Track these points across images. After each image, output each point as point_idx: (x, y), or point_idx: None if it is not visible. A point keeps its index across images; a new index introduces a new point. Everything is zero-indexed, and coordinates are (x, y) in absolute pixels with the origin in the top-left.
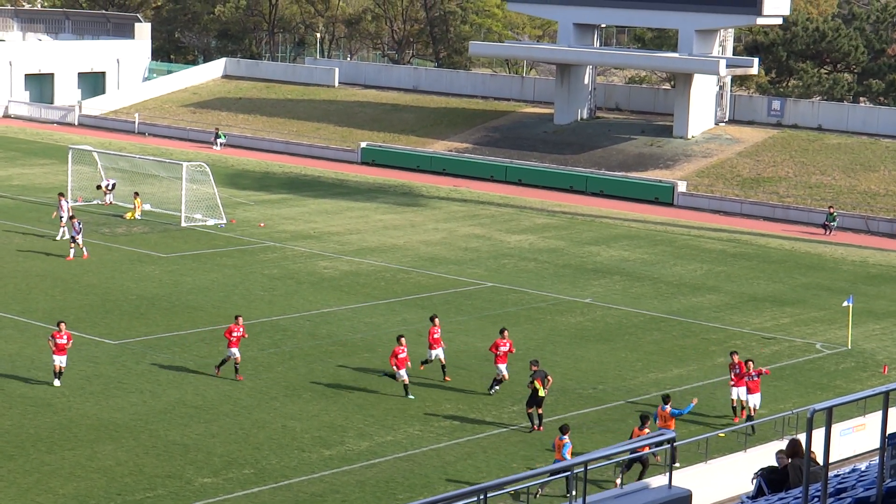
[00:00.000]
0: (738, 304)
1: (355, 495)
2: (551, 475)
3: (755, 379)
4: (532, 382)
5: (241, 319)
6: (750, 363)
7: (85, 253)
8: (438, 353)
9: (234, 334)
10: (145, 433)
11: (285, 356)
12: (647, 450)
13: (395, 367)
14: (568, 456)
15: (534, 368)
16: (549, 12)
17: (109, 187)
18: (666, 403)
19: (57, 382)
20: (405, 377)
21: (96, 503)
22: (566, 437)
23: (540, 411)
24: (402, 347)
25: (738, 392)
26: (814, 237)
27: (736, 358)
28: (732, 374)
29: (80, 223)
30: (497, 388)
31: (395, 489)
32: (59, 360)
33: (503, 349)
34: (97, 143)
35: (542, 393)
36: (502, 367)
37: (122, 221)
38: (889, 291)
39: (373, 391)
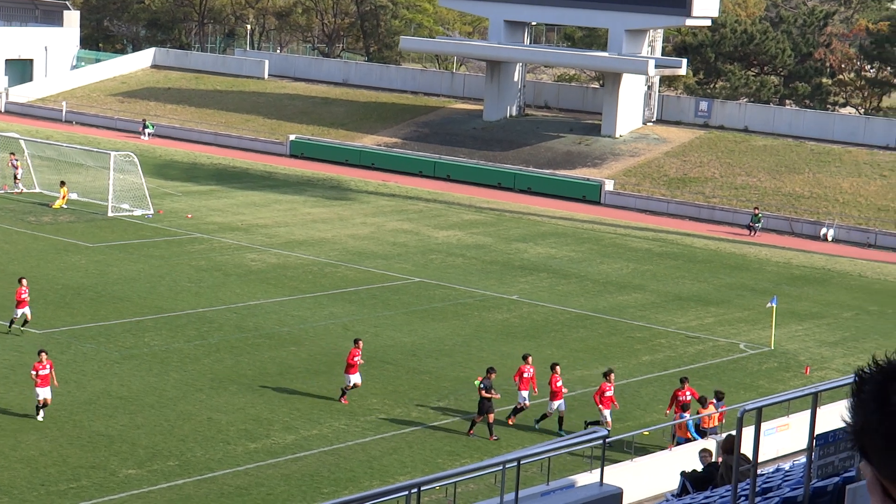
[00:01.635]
0: (664, 303)
1: (280, 489)
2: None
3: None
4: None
5: (361, 343)
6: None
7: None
8: (560, 404)
9: (356, 359)
10: (69, 423)
11: (211, 348)
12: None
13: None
14: None
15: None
16: (479, 9)
17: (16, 175)
18: (685, 412)
19: (40, 416)
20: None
21: (19, 494)
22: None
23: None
24: (528, 366)
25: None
26: (739, 238)
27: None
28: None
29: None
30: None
31: (320, 483)
32: (44, 393)
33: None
34: (24, 131)
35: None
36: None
37: (48, 210)
38: (812, 293)
39: (299, 384)
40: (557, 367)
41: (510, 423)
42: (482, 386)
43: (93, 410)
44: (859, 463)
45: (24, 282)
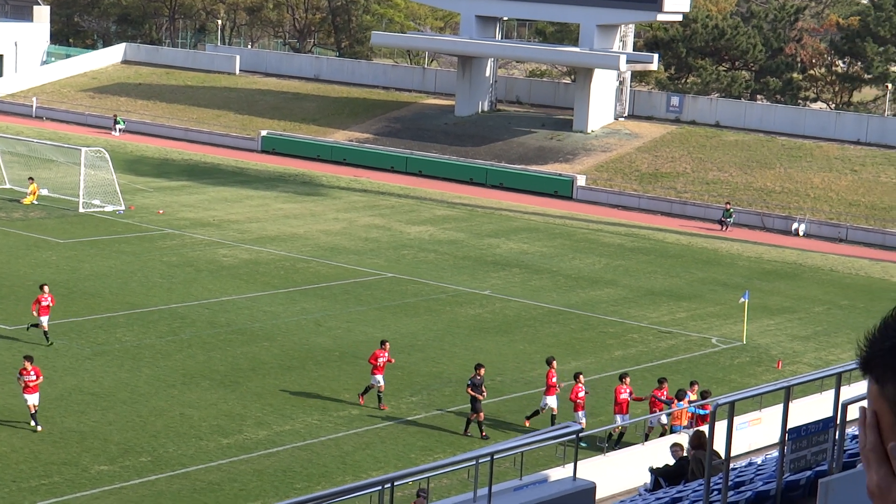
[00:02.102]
0: (636, 297)
1: (253, 484)
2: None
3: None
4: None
5: (388, 345)
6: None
7: None
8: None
9: (380, 359)
10: (41, 420)
11: (183, 344)
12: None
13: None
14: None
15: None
16: (451, 4)
17: None
18: (680, 400)
19: (39, 428)
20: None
21: None
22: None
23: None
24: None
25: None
26: (710, 233)
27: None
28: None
29: None
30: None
31: (293, 478)
32: (32, 400)
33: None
34: None
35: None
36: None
37: (18, 206)
38: (783, 287)
39: (271, 380)
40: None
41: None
42: (469, 383)
43: (64, 406)
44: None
45: (46, 289)
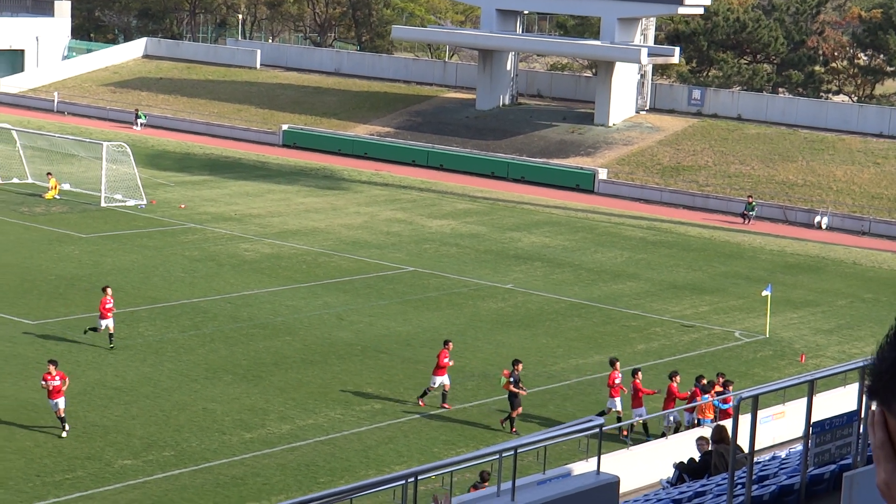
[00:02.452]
0: (658, 291)
1: (276, 478)
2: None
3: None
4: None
5: (451, 346)
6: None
7: None
8: (444, 380)
9: (446, 360)
10: (64, 414)
11: (206, 338)
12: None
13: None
14: None
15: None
16: None
17: None
18: (706, 392)
19: (65, 434)
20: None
21: (14, 484)
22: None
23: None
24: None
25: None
26: (733, 226)
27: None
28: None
29: None
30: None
31: (316, 473)
32: (59, 404)
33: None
34: (15, 122)
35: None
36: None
37: (40, 201)
38: (806, 281)
39: (294, 374)
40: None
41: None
42: (511, 380)
43: (87, 401)
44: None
45: (109, 291)
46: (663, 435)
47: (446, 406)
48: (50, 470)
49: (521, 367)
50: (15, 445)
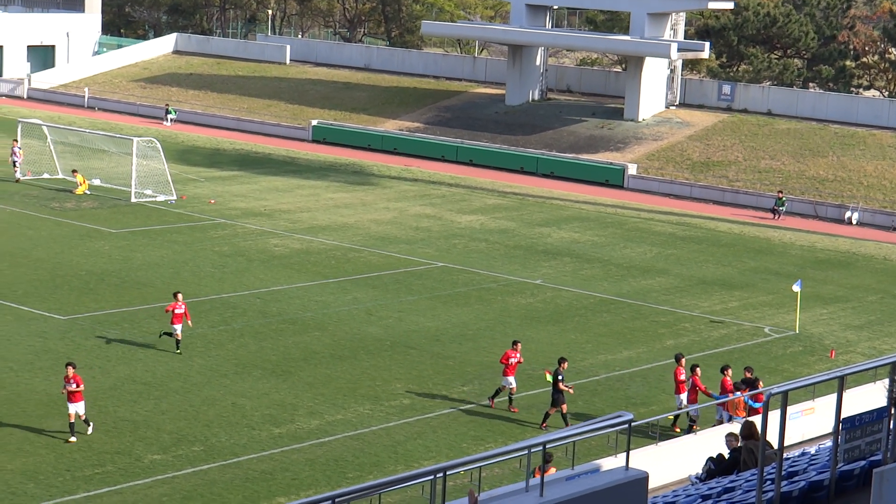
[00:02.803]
0: (687, 287)
1: (305, 473)
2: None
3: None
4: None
5: (519, 346)
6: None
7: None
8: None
9: (511, 360)
10: (94, 409)
11: (235, 333)
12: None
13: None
14: None
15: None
16: None
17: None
18: (739, 391)
19: (73, 438)
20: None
21: (45, 479)
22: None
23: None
24: (515, 352)
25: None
26: (762, 221)
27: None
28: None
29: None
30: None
31: (344, 468)
32: (75, 408)
33: (513, 361)
34: (46, 117)
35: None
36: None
37: (71, 196)
38: (836, 276)
39: (323, 369)
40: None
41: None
42: (561, 378)
43: (117, 396)
44: None
45: (180, 296)
46: (691, 428)
47: (513, 410)
48: (80, 464)
49: (566, 364)
50: (45, 440)
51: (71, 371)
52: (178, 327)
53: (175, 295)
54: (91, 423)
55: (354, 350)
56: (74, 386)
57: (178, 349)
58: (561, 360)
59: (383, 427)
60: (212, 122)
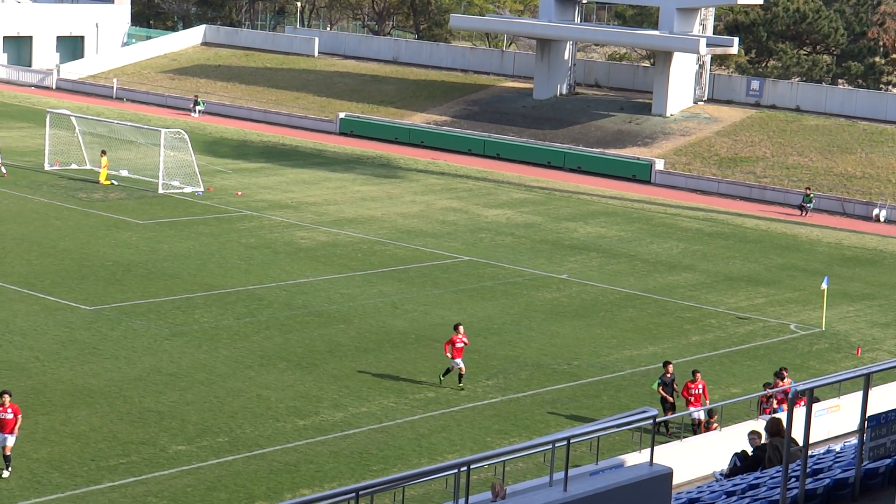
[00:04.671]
0: (714, 283)
1: (329, 465)
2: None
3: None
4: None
5: (461, 328)
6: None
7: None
8: (459, 362)
9: (458, 344)
10: (120, 399)
11: (261, 325)
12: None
13: (449, 356)
14: None
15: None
16: None
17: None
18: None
19: (6, 473)
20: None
21: (70, 468)
22: None
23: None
24: (459, 336)
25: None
26: (790, 218)
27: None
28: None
29: None
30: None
31: (368, 460)
32: (8, 441)
33: (458, 346)
34: (75, 108)
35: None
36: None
37: (98, 187)
38: (863, 274)
39: (348, 362)
40: (460, 327)
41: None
42: (659, 382)
43: (143, 387)
44: None
45: (461, 329)
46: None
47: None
48: (105, 454)
49: (671, 368)
50: (71, 430)
51: (7, 399)
52: (460, 361)
53: (456, 327)
54: (11, 467)
55: (380, 343)
56: (11, 415)
57: (460, 383)
58: (665, 364)
59: (408, 420)
60: (239, 114)
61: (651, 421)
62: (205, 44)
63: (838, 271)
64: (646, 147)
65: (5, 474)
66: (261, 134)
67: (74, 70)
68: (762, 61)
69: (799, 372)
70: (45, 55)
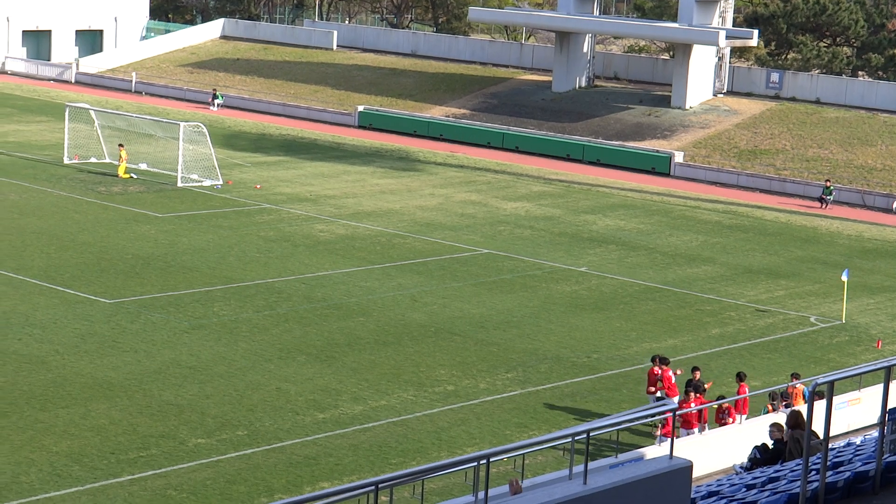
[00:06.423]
0: (733, 275)
1: (348, 459)
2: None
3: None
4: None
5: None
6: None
7: None
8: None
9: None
10: (139, 393)
11: (280, 318)
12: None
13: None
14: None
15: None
16: None
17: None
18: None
19: None
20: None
21: (90, 462)
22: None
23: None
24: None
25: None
26: (810, 210)
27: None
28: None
29: None
30: None
31: (388, 454)
32: None
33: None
34: (94, 101)
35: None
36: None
37: (117, 180)
38: (884, 266)
39: (367, 355)
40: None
41: None
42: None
43: (162, 380)
44: None
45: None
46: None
47: None
48: (124, 447)
49: (698, 374)
50: (90, 423)
51: None
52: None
53: (654, 360)
54: None
55: (399, 336)
56: None
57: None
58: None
59: (427, 413)
60: (258, 108)
61: (672, 414)
62: (223, 37)
63: (858, 264)
64: (665, 140)
65: None
66: (279, 127)
67: (93, 64)
68: (782, 53)
69: (819, 365)
70: (64, 49)
